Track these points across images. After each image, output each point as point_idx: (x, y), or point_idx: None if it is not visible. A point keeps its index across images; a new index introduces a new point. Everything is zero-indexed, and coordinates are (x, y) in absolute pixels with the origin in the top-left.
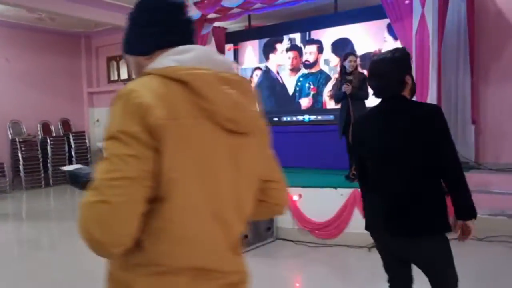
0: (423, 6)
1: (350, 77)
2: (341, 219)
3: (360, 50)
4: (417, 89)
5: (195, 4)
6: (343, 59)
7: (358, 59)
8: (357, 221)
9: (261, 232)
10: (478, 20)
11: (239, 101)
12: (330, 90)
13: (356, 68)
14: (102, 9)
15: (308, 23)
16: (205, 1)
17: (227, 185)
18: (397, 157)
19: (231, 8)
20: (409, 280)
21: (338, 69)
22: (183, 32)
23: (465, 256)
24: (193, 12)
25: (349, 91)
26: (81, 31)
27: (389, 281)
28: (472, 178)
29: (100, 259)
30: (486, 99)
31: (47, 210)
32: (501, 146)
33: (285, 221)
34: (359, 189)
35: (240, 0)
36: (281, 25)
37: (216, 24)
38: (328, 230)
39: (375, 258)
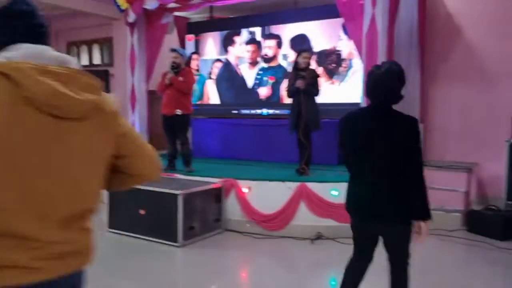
0: (374, 7)
1: (303, 73)
2: (287, 211)
3: (317, 47)
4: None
5: None
6: (297, 55)
7: (314, 56)
8: (303, 214)
9: (209, 223)
10: (430, 22)
11: (62, 91)
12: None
13: (309, 64)
14: None
15: (268, 17)
16: None
17: (52, 162)
18: (382, 155)
19: None
20: (371, 257)
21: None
22: (15, 33)
23: None
24: (151, 2)
25: (303, 86)
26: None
27: (354, 254)
28: None
29: None
30: (435, 99)
31: None
32: (446, 145)
33: (234, 213)
34: (306, 183)
35: None
36: (242, 18)
37: (179, 14)
38: (275, 222)
39: (317, 249)
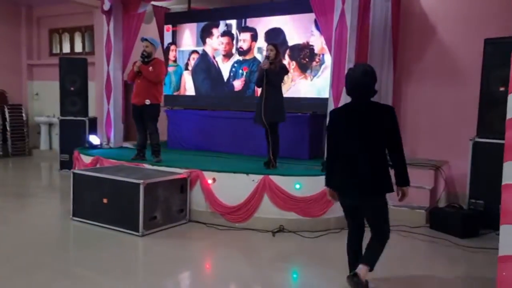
0: (343, 3)
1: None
2: (251, 204)
3: (290, 41)
4: (333, 83)
5: None
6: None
7: (287, 50)
8: (266, 207)
9: (172, 213)
10: (404, 20)
11: None
12: None
13: (276, 57)
14: None
15: (245, 10)
16: None
17: None
18: (367, 139)
19: None
20: (362, 226)
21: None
22: None
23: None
24: None
25: (267, 66)
26: None
27: (348, 225)
28: None
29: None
30: (407, 96)
31: None
32: (417, 142)
33: (199, 204)
34: (270, 176)
35: None
36: (219, 10)
37: (158, 4)
38: (238, 214)
39: (278, 241)
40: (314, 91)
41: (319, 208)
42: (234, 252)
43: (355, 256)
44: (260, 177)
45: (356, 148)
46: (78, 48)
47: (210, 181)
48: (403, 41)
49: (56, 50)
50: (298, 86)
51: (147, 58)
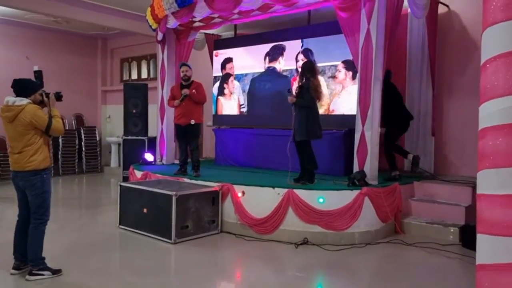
0: (368, 22)
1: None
2: (276, 216)
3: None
4: (360, 100)
5: (173, 13)
6: None
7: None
8: (291, 219)
9: (203, 224)
10: (443, 35)
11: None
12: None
13: (303, 78)
14: (111, 15)
15: (303, 31)
16: (180, 12)
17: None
18: None
19: (213, 18)
20: None
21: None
22: None
23: (389, 260)
24: (172, 21)
25: (292, 101)
26: (98, 33)
27: None
28: (421, 188)
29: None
30: (448, 113)
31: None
32: (460, 159)
33: (230, 216)
34: (294, 190)
35: (207, 12)
36: (264, 34)
37: (205, 31)
38: (265, 227)
39: (302, 253)
40: (351, 107)
41: (344, 222)
42: (259, 262)
43: None
44: (285, 190)
45: None
46: (144, 74)
47: (240, 194)
48: (442, 57)
49: (126, 76)
50: (337, 101)
51: (187, 81)
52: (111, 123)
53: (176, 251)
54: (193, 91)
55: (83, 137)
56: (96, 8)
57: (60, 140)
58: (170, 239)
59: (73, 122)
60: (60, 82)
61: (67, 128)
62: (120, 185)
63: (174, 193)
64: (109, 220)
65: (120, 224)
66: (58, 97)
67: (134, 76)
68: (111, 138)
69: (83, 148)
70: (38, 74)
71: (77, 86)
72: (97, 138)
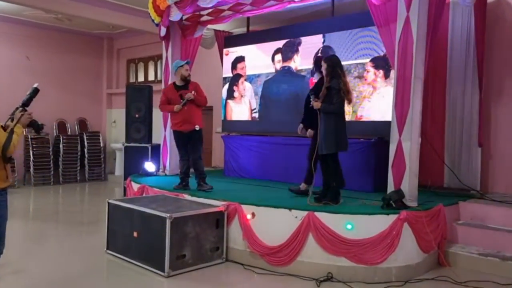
0: (408, 9)
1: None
2: (293, 245)
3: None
4: (397, 104)
5: (175, 3)
6: None
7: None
8: (311, 249)
9: (205, 252)
10: (492, 29)
11: None
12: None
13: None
14: (116, 11)
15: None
16: (184, 1)
17: None
18: None
19: (222, 11)
20: None
21: None
22: None
23: None
24: (175, 13)
25: (317, 107)
26: (103, 32)
27: None
28: (468, 209)
29: None
30: (497, 120)
31: (42, 209)
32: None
33: (237, 242)
34: (316, 213)
35: (213, 1)
36: (279, 30)
37: (214, 27)
38: (279, 257)
39: None
40: (381, 112)
41: (378, 254)
42: None
43: None
44: (304, 213)
45: None
46: (151, 76)
47: (249, 216)
48: (490, 55)
49: (132, 79)
50: (366, 106)
51: (186, 82)
52: (117, 128)
53: (168, 286)
54: (193, 92)
55: (86, 143)
56: (100, 4)
57: (61, 146)
58: (163, 271)
59: (76, 127)
60: (62, 85)
61: (69, 133)
62: (108, 203)
63: (168, 215)
64: (99, 242)
65: (107, 248)
66: (38, 129)
67: (141, 78)
68: (116, 144)
69: (86, 155)
70: (32, 91)
71: (80, 89)
72: (101, 144)
